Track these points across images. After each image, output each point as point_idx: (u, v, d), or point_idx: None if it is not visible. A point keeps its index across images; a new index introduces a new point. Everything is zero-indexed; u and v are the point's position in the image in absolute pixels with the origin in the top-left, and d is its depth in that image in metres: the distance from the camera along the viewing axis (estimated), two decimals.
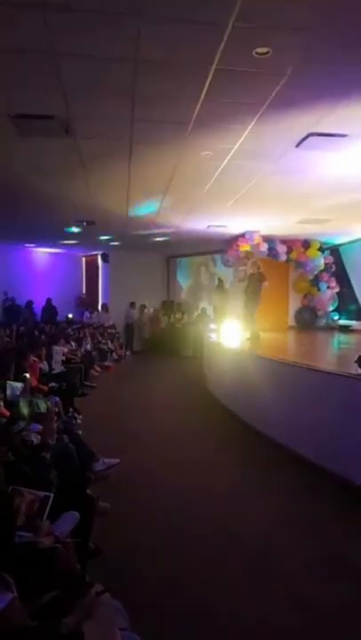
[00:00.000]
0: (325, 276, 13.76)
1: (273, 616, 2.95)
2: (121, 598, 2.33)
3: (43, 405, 5.54)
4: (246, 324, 9.44)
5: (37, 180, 7.51)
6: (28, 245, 16.51)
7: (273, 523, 4.21)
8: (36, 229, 12.50)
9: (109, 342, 15.00)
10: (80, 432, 5.72)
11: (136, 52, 3.78)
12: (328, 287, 13.78)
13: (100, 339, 14.64)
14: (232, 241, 12.76)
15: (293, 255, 13.26)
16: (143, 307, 17.15)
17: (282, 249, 12.94)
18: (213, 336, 10.65)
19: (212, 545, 3.81)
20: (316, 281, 13.85)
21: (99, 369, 12.40)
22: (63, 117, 5.07)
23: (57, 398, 6.37)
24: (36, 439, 4.30)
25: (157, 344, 16.89)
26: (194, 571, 3.41)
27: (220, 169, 6.81)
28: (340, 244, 13.64)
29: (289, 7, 3.23)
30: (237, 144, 5.80)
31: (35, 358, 7.82)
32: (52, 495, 2.79)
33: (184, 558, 3.58)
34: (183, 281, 17.77)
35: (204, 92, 4.45)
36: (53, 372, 8.85)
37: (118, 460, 5.18)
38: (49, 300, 16.59)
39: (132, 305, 17.02)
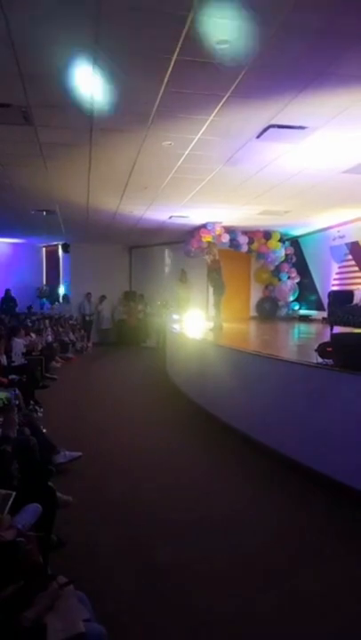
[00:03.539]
0: (286, 266, 13.97)
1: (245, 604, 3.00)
2: (85, 589, 2.32)
3: (2, 398, 5.44)
4: (214, 314, 9.55)
5: None
6: None
7: (241, 508, 4.27)
8: None
9: (71, 333, 14.84)
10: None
11: (96, 40, 3.73)
12: (289, 278, 14.00)
13: (61, 330, 14.47)
14: (194, 232, 12.80)
15: (255, 246, 13.42)
16: (103, 297, 16.96)
17: (243, 240, 13.08)
18: (176, 327, 10.67)
19: (177, 533, 3.83)
20: (277, 272, 14.06)
21: (60, 360, 12.28)
22: (22, 105, 4.97)
23: (17, 391, 6.27)
24: None
25: (119, 335, 16.80)
26: (159, 560, 3.43)
27: (181, 159, 6.81)
28: (299, 236, 13.88)
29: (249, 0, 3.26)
30: (199, 134, 5.81)
31: None
32: (13, 493, 2.76)
33: (148, 548, 3.60)
34: (145, 271, 17.67)
35: (165, 82, 4.44)
36: (13, 364, 8.69)
37: (80, 454, 5.14)
38: (8, 291, 16.25)
39: (88, 296, 16.74)
